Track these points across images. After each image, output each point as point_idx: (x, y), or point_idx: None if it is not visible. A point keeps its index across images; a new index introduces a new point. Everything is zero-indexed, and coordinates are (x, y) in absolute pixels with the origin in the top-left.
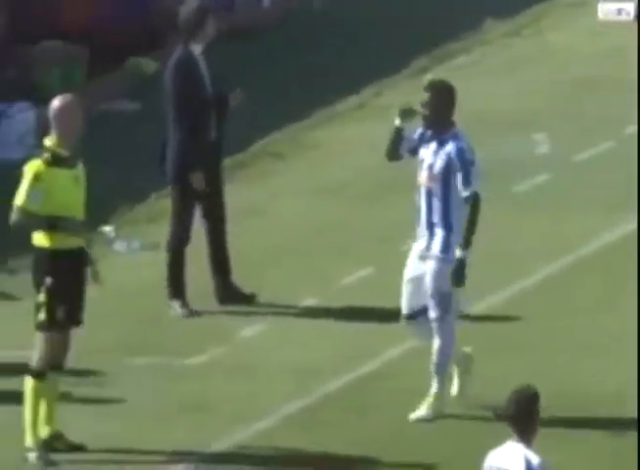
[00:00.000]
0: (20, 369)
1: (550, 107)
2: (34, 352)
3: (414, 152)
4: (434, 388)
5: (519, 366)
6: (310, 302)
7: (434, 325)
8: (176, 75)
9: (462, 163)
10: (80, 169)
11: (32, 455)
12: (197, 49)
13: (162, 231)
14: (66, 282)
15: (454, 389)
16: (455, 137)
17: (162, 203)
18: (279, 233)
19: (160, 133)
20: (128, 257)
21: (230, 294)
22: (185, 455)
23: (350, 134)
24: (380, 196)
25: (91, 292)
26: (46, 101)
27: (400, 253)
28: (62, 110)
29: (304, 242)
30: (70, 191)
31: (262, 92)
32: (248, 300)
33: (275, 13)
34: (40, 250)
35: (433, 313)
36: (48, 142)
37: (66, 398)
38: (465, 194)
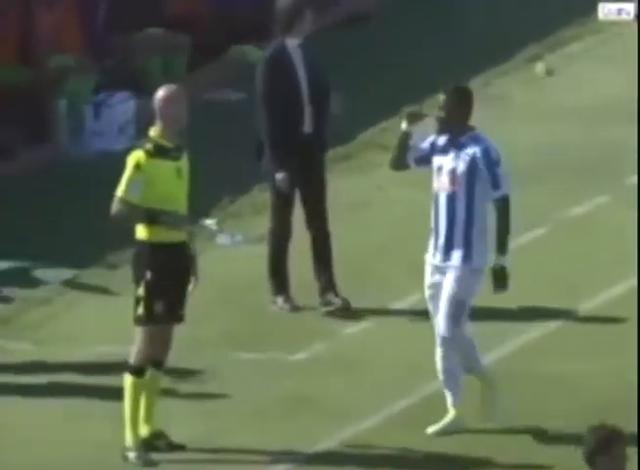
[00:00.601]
0: (120, 366)
1: None
2: (133, 347)
3: (423, 161)
4: (449, 402)
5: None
6: (416, 297)
7: (443, 343)
8: (265, 70)
9: (489, 164)
10: (184, 161)
11: (132, 455)
12: (292, 43)
13: (266, 223)
14: (166, 276)
15: (487, 417)
16: (476, 139)
17: (266, 195)
18: (385, 226)
19: None
20: (232, 250)
21: (328, 302)
22: (288, 455)
23: None
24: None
25: (193, 287)
26: (146, 90)
27: (514, 247)
28: (166, 100)
29: (411, 235)
30: (173, 183)
31: (367, 81)
32: (345, 308)
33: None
34: (141, 243)
35: (442, 328)
36: (152, 132)
37: (167, 395)
38: (495, 196)
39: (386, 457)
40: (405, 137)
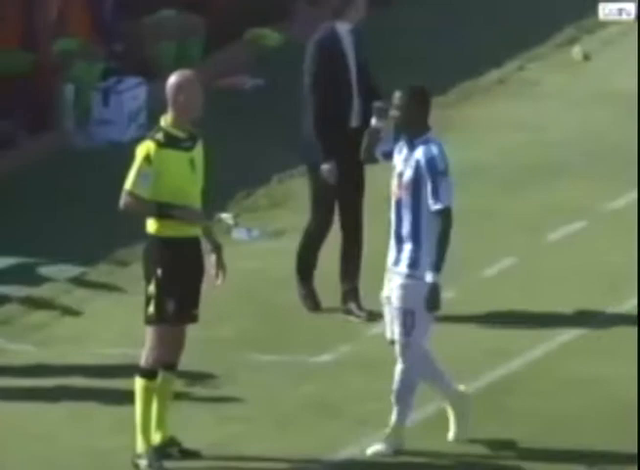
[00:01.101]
0: (130, 369)
1: None
2: (144, 349)
3: (389, 156)
4: (392, 419)
5: None
6: (448, 294)
7: (397, 348)
8: (314, 54)
9: (431, 173)
10: (198, 152)
11: (143, 463)
12: (343, 27)
13: (285, 217)
14: (178, 273)
15: (450, 435)
16: (427, 145)
17: (286, 186)
18: None
19: (286, 112)
20: (248, 245)
21: (349, 311)
22: (309, 463)
23: (491, 112)
24: (525, 180)
25: (208, 285)
26: (159, 77)
27: (547, 243)
28: (179, 86)
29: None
30: (185, 175)
31: (394, 66)
32: (368, 316)
33: None
34: (151, 237)
35: (396, 335)
36: (163, 121)
37: (180, 399)
38: (433, 208)
39: (411, 465)
40: (374, 132)
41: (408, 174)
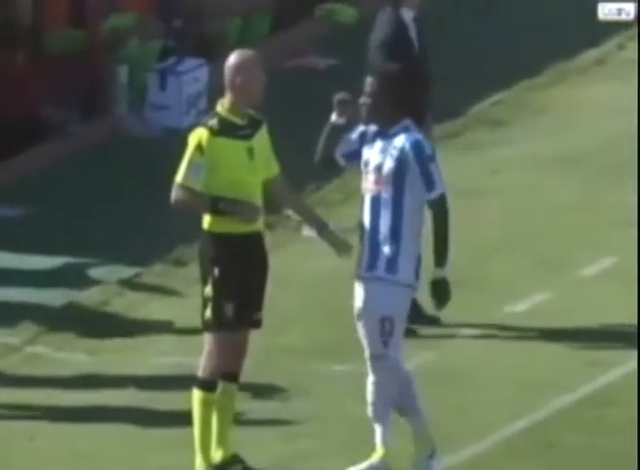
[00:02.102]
0: (187, 380)
1: None
2: (202, 358)
3: (354, 156)
4: (377, 438)
5: None
6: (541, 297)
7: (370, 362)
8: (386, 50)
9: (420, 159)
10: (258, 141)
11: None
12: (408, 15)
13: (358, 212)
14: (237, 273)
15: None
16: (407, 130)
17: (358, 180)
18: (501, 216)
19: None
20: (319, 244)
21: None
22: None
23: (588, 95)
24: (624, 170)
25: (274, 287)
26: (221, 57)
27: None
28: (238, 68)
29: (533, 226)
30: (242, 166)
31: (478, 48)
32: (432, 322)
33: None
34: (206, 234)
35: (371, 348)
36: (219, 106)
37: (243, 413)
38: (430, 197)
39: None
40: (333, 129)
41: (389, 165)
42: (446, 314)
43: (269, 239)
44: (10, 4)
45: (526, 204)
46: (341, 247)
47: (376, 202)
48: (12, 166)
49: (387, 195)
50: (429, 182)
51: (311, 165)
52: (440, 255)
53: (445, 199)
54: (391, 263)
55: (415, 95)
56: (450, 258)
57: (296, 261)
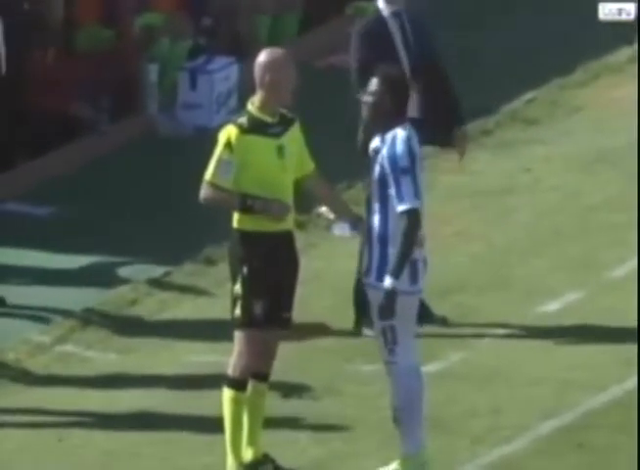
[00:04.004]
0: (218, 380)
1: None
2: (232, 357)
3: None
4: (401, 448)
5: None
6: (573, 297)
7: (385, 368)
8: (362, 43)
9: (393, 171)
10: (290, 139)
11: None
12: (387, 11)
13: None
14: (266, 272)
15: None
16: (393, 139)
17: None
18: (535, 216)
19: None
20: (350, 243)
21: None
22: None
23: (621, 93)
24: None
25: (304, 286)
26: (252, 55)
27: None
28: (268, 66)
29: (565, 226)
30: (271, 164)
31: (509, 43)
32: (440, 322)
33: None
34: (236, 232)
35: (381, 355)
36: (250, 105)
37: (274, 413)
38: (398, 209)
39: None
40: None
41: (376, 171)
42: (478, 313)
43: (300, 238)
44: (41, 2)
45: (559, 203)
46: None
47: (369, 206)
48: (42, 165)
49: (375, 199)
50: (398, 195)
51: (342, 163)
52: (395, 265)
53: (413, 214)
54: (381, 271)
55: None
56: (481, 258)
57: (327, 261)
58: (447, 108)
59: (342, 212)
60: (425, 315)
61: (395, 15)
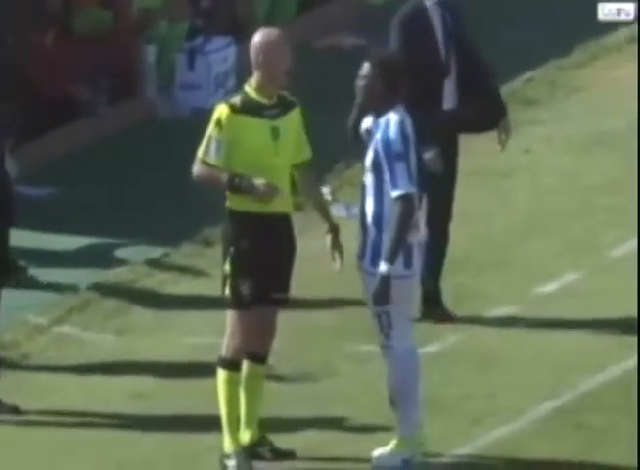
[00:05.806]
0: (215, 360)
1: None
2: (225, 337)
3: (372, 134)
4: (398, 429)
5: None
6: (571, 277)
7: (382, 351)
8: (401, 33)
9: (387, 157)
10: (287, 122)
11: (231, 463)
12: (430, 1)
13: None
14: (255, 251)
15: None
16: (387, 123)
17: None
18: (534, 197)
19: None
20: (348, 223)
21: (430, 309)
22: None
23: (620, 74)
24: None
25: (303, 266)
26: (249, 36)
27: None
28: (263, 46)
29: (563, 206)
30: (263, 146)
31: (511, 24)
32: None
33: None
34: (228, 212)
35: (378, 339)
36: (247, 86)
37: (272, 395)
38: (392, 195)
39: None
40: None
41: (370, 156)
42: (477, 294)
43: (300, 219)
44: None
45: (558, 184)
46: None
47: (363, 189)
48: (41, 147)
49: (369, 183)
50: (392, 180)
51: (341, 143)
52: (389, 250)
53: (407, 200)
54: (375, 255)
55: (410, 82)
56: (480, 238)
57: (323, 242)
58: (490, 98)
59: (321, 215)
60: (435, 305)
61: (438, 4)
